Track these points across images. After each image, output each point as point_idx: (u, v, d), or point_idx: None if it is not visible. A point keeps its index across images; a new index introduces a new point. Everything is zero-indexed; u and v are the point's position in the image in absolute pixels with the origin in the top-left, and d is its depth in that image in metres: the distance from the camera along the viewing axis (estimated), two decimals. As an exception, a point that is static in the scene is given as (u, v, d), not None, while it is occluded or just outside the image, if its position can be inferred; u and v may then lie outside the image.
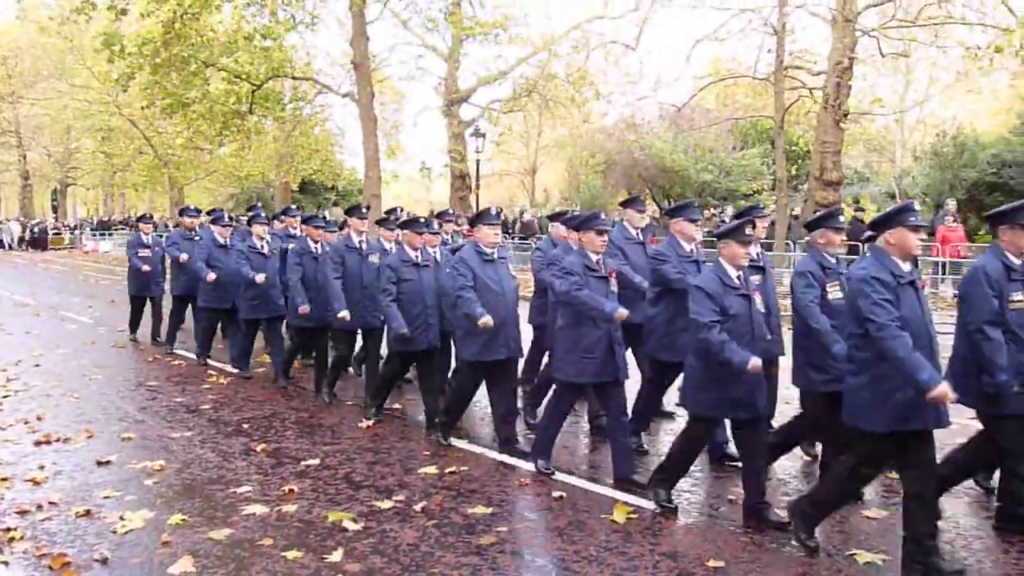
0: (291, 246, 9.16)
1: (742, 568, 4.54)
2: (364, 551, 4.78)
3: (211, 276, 9.97)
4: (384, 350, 8.05)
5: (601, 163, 35.70)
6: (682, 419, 6.23)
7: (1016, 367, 4.71)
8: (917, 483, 4.40)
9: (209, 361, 10.63)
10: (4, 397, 8.84)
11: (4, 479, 6.09)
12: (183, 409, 8.34)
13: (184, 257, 10.81)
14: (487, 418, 7.54)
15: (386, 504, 5.53)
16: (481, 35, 25.06)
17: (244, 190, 41.01)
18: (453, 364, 8.04)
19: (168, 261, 11.69)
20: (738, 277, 5.06)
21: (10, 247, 43.99)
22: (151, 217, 13.51)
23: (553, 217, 8.39)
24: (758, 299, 5.14)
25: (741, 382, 4.93)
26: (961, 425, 5.40)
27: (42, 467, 6.37)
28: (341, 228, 9.50)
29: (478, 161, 26.03)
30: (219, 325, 10.94)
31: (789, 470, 6.29)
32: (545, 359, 7.60)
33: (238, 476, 6.18)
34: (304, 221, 9.56)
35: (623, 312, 5.75)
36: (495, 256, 6.63)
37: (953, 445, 5.43)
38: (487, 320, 6.22)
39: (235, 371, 10.00)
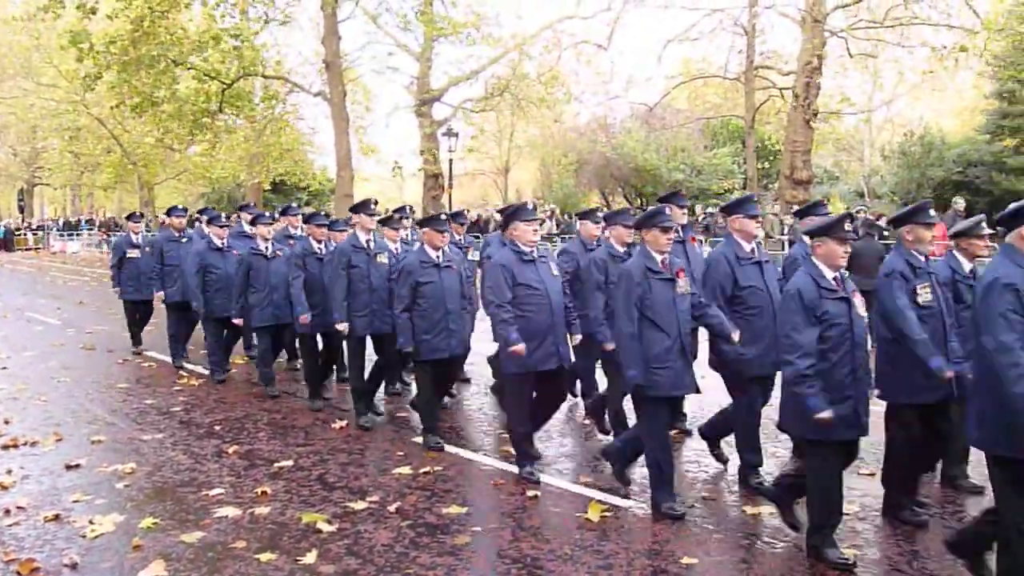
0: (283, 249, 8.75)
1: (715, 565, 4.57)
2: (338, 552, 4.76)
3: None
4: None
5: (573, 162, 35.87)
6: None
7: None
8: None
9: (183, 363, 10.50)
10: (-30, 401, 8.71)
11: (-29, 484, 6.00)
12: (154, 411, 8.25)
13: (160, 296, 10.37)
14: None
15: (360, 505, 5.51)
16: (453, 34, 25.04)
17: (215, 190, 40.66)
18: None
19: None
20: (835, 279, 4.52)
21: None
22: (141, 215, 12.65)
23: (583, 215, 7.73)
24: (859, 301, 4.55)
25: (846, 402, 4.43)
26: None
27: (10, 471, 6.28)
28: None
29: (451, 160, 26.02)
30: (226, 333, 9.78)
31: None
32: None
33: (210, 478, 6.13)
34: (306, 220, 8.97)
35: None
36: (535, 255, 6.04)
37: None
38: (520, 348, 5.71)
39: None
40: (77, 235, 42.14)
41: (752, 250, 5.75)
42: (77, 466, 6.42)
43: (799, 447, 4.87)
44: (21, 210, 52.70)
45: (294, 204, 11.14)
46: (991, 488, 4.12)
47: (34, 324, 14.79)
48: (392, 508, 5.45)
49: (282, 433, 7.41)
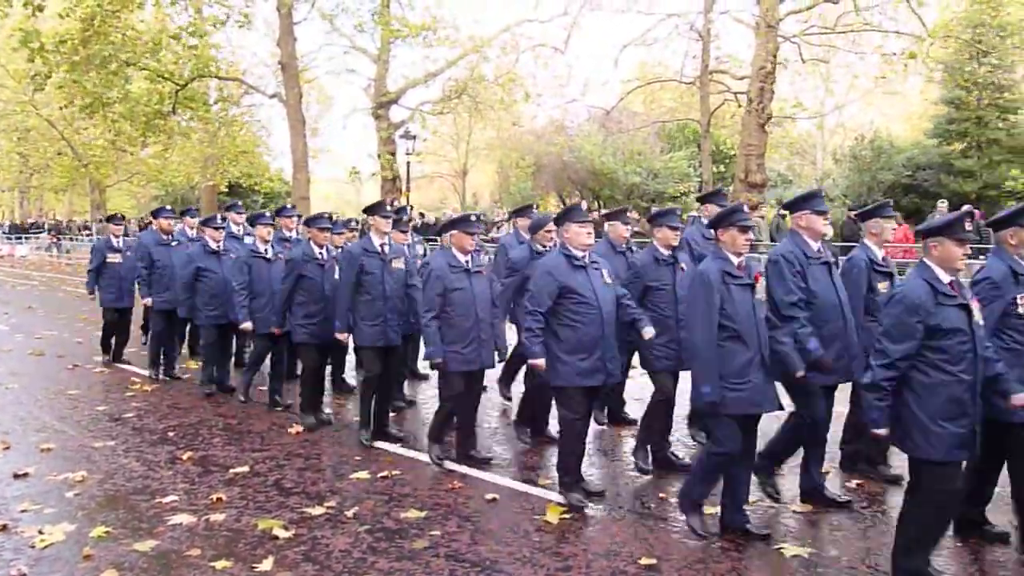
0: (282, 252, 8.31)
1: (674, 565, 4.60)
2: (295, 559, 4.71)
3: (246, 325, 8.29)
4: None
5: (531, 165, 35.93)
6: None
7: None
8: None
9: (130, 367, 10.33)
10: (-87, 408, 8.47)
11: (-86, 494, 5.84)
12: (106, 418, 8.10)
13: (148, 302, 9.78)
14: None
15: (317, 510, 5.46)
16: (410, 36, 24.98)
17: (168, 192, 40.10)
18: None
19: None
20: (951, 284, 4.10)
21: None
22: (122, 217, 11.72)
23: (612, 215, 7.18)
24: (976, 308, 4.15)
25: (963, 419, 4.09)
26: None
27: (-45, 481, 6.13)
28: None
29: (408, 163, 25.95)
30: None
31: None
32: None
33: (164, 485, 6.03)
34: (307, 223, 8.30)
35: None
36: (587, 261, 5.53)
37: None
38: (540, 363, 5.40)
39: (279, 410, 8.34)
40: (26, 238, 41.25)
41: (819, 249, 5.32)
42: (25, 475, 6.26)
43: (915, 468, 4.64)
44: (-33, 213, 51.53)
45: (289, 205, 10.17)
46: None
47: (-19, 329, 14.45)
48: (350, 513, 5.41)
49: (238, 438, 7.32)
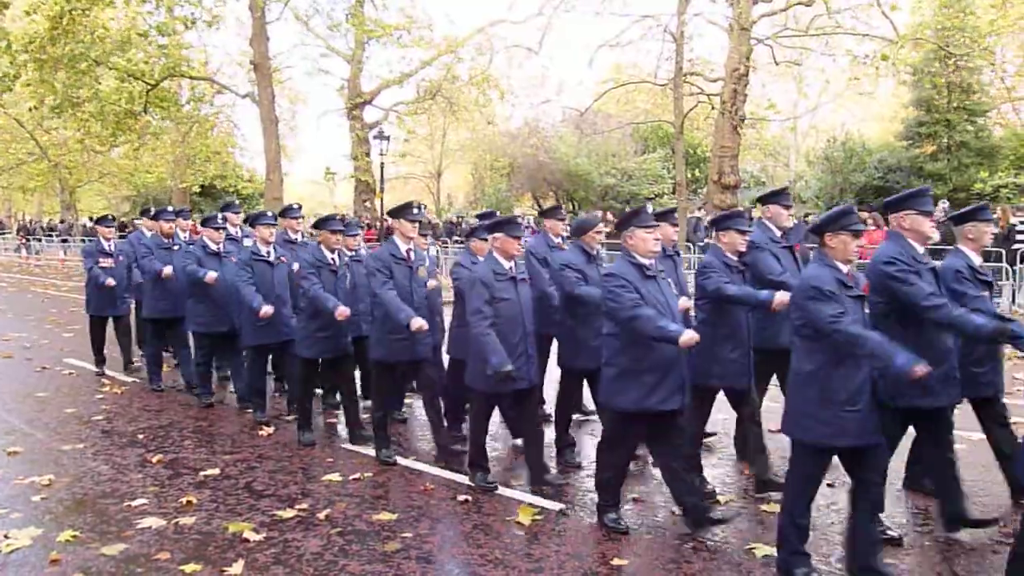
0: (285, 255, 7.92)
1: (645, 565, 4.63)
2: (266, 562, 4.69)
3: (211, 276, 8.06)
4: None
5: (506, 166, 35.99)
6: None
7: None
8: None
9: (104, 370, 10.21)
10: None
11: None
12: (74, 420, 8.01)
13: (168, 271, 8.83)
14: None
15: (289, 513, 5.43)
16: (384, 36, 24.92)
17: (140, 193, 39.72)
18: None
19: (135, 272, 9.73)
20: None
21: None
22: (113, 219, 10.72)
23: (661, 215, 6.28)
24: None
25: None
26: None
27: (-81, 485, 6.04)
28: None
29: (382, 164, 25.89)
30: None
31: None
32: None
33: (133, 489, 5.97)
34: (316, 225, 7.57)
35: None
36: (656, 270, 4.98)
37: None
38: (691, 338, 4.65)
39: (250, 412, 8.10)
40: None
41: (925, 253, 4.72)
42: (-9, 479, 6.20)
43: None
44: (-67, 214, 50.75)
45: (295, 205, 9.32)
46: None
47: (-53, 332, 14.24)
48: (321, 515, 5.38)
49: (208, 441, 7.27)
